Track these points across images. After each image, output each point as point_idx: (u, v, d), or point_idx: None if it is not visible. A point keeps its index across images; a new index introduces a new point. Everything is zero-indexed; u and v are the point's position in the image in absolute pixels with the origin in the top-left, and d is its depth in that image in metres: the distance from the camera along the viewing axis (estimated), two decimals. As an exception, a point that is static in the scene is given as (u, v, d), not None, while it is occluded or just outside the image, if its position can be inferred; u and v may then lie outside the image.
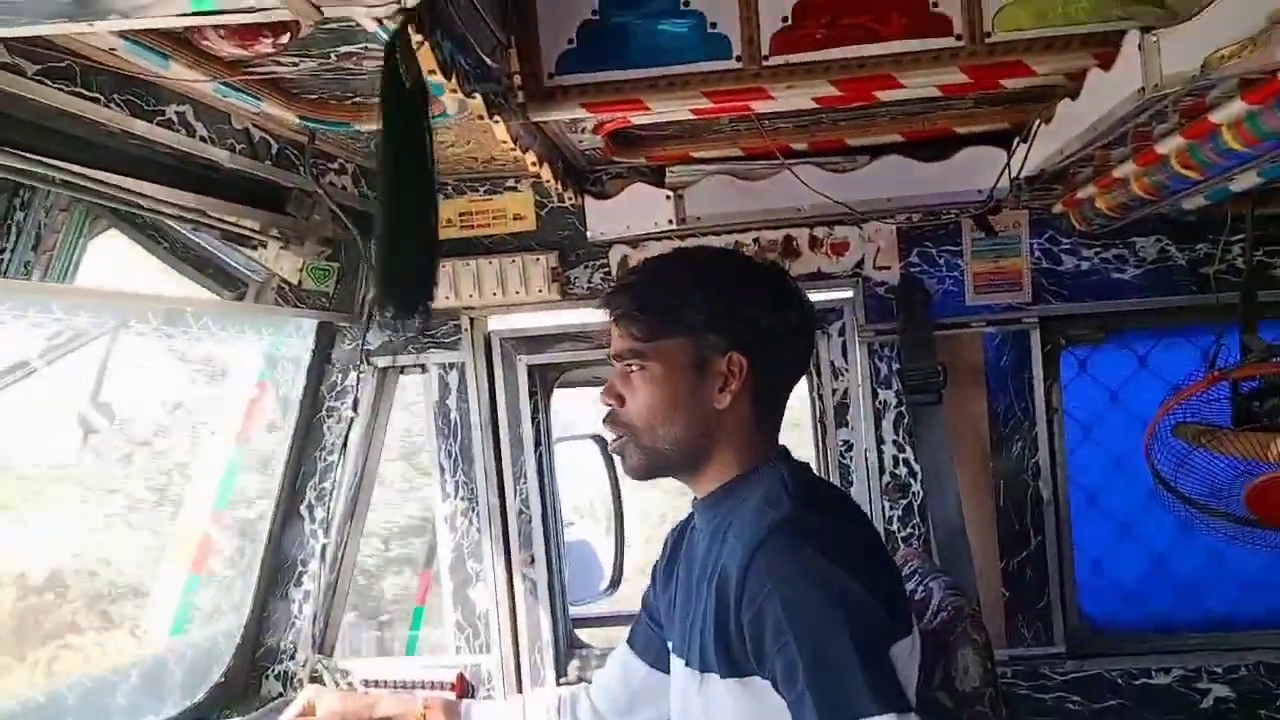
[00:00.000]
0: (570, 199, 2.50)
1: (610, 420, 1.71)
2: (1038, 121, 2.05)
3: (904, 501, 2.57)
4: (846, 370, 2.59)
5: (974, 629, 1.69)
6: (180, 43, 1.50)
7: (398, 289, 1.42)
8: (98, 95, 1.56)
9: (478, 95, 1.61)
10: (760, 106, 1.95)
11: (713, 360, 1.64)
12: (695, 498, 1.75)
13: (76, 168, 1.67)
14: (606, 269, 2.61)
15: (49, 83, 1.47)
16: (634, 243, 2.59)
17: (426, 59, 1.43)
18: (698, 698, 1.63)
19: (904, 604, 1.61)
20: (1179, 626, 2.63)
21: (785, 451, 1.73)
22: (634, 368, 1.67)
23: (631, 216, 2.55)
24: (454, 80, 1.51)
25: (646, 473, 1.71)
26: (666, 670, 1.83)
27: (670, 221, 2.50)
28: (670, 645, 1.80)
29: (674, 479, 1.74)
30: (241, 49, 1.48)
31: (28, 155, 1.57)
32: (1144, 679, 2.54)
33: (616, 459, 1.75)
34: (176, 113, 1.75)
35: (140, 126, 1.68)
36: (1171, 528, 2.51)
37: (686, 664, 1.67)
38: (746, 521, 1.58)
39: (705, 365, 1.64)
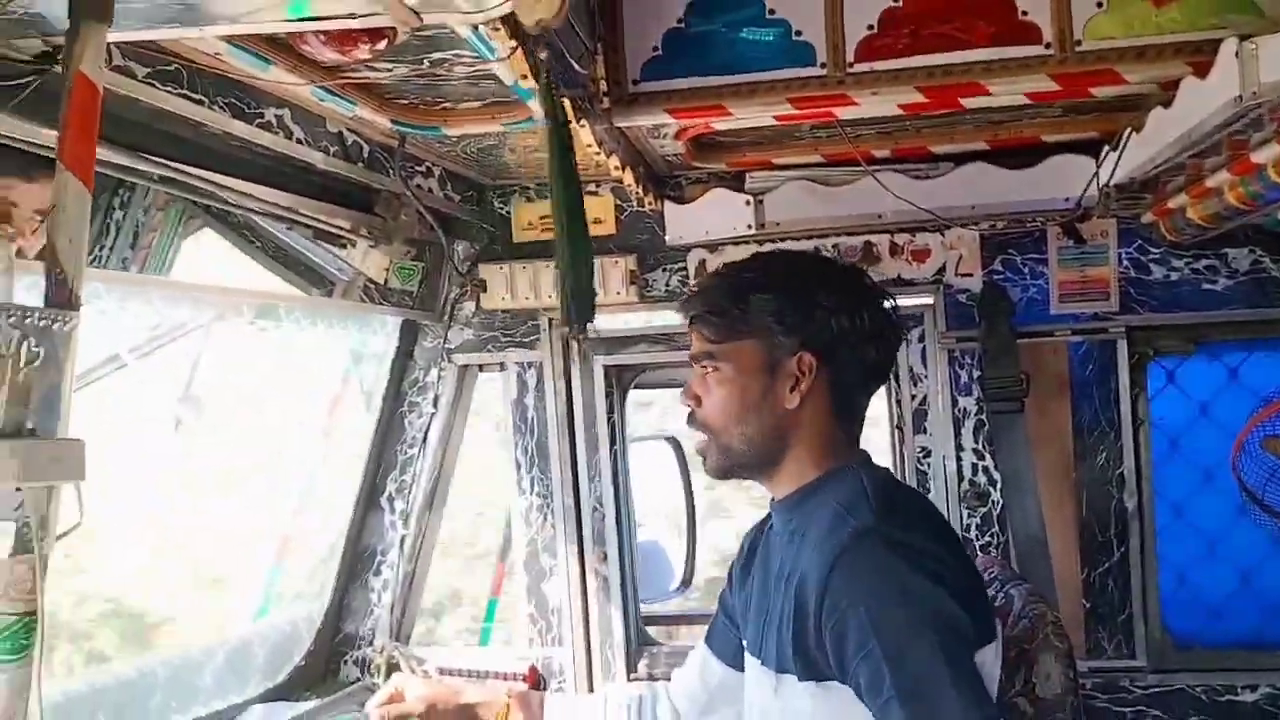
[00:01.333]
0: (650, 203, 2.52)
1: (691, 421, 1.75)
2: (1129, 130, 2.02)
3: (982, 510, 2.55)
4: (925, 377, 2.57)
5: (1056, 636, 1.68)
6: (281, 48, 1.55)
7: (585, 303, 1.57)
8: (202, 97, 1.63)
9: (565, 100, 1.64)
10: (844, 113, 1.95)
11: (783, 361, 1.66)
12: (773, 499, 1.76)
13: (179, 165, 1.73)
14: (684, 273, 2.63)
15: (158, 85, 1.54)
16: (712, 247, 2.60)
17: (519, 65, 1.47)
18: (774, 698, 1.64)
19: (987, 610, 1.61)
20: (1267, 644, 2.56)
21: (865, 456, 1.73)
22: (708, 369, 1.70)
23: (710, 221, 2.56)
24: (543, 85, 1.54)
25: (725, 473, 1.74)
26: (743, 669, 1.84)
27: (749, 227, 2.51)
28: (745, 643, 1.81)
29: (752, 480, 1.76)
30: (340, 54, 1.53)
31: (138, 154, 1.63)
32: (1229, 695, 2.48)
33: (700, 459, 1.77)
34: (275, 115, 1.82)
35: (241, 128, 1.74)
36: (1261, 544, 2.45)
37: (762, 663, 1.68)
38: (825, 527, 1.59)
39: (776, 366, 1.66)
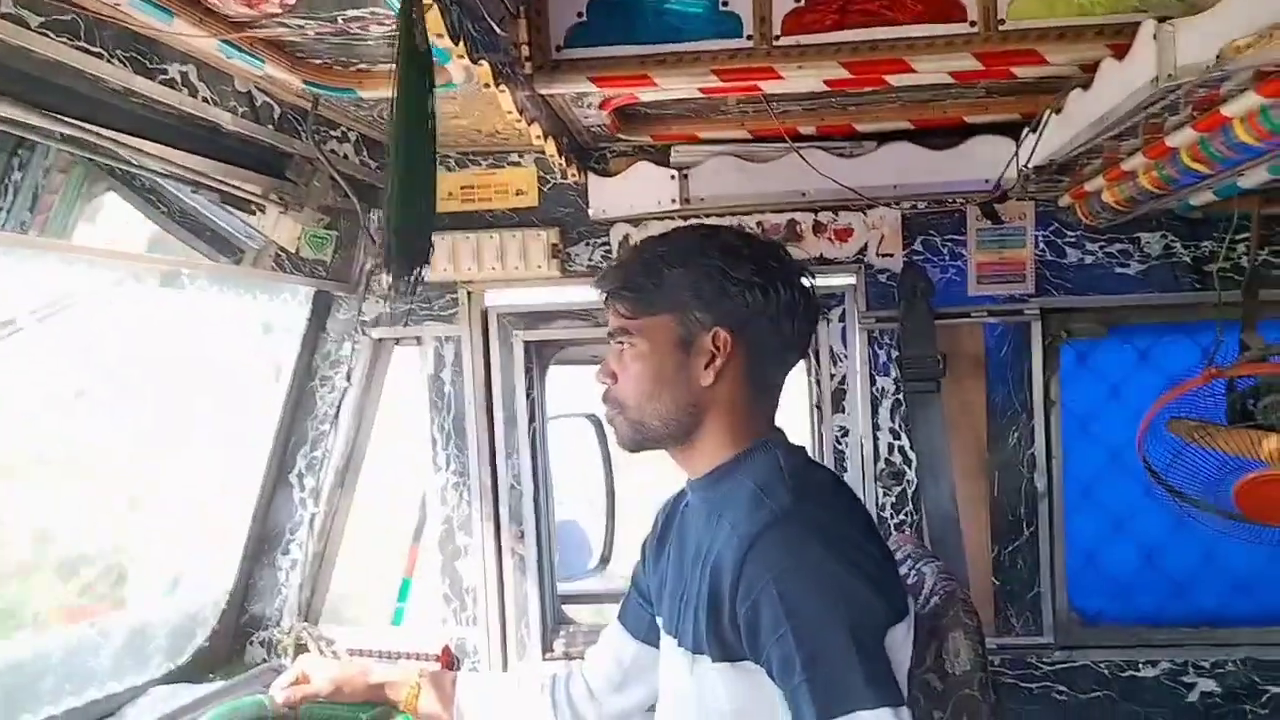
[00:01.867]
0: (574, 175, 2.48)
1: (605, 397, 1.73)
2: (1048, 111, 2.04)
3: (898, 489, 2.57)
4: (845, 356, 2.59)
5: (966, 613, 1.69)
6: (185, -1, 1.48)
7: (402, 255, 1.46)
8: (101, 50, 1.54)
9: (484, 62, 1.60)
10: (769, 87, 1.94)
11: (698, 337, 1.64)
12: (689, 477, 1.75)
13: (79, 123, 1.65)
14: (607, 247, 2.59)
15: (52, 36, 1.45)
16: (636, 221, 2.57)
17: (435, 23, 1.42)
18: (689, 678, 1.63)
19: (900, 588, 1.62)
20: (1168, 621, 2.64)
21: (781, 434, 1.72)
22: (624, 345, 1.68)
23: (635, 195, 2.53)
24: (461, 46, 1.50)
25: (635, 446, 1.72)
26: (657, 646, 1.83)
27: (674, 201, 2.49)
28: (660, 622, 1.79)
29: (665, 452, 1.74)
30: (247, 6, 1.47)
31: (32, 107, 1.54)
32: (1131, 671, 2.56)
33: (608, 430, 1.77)
34: (180, 72, 1.73)
35: (142, 84, 1.65)
36: (1165, 523, 2.51)
37: (678, 643, 1.67)
38: (742, 509, 1.58)
39: (691, 342, 1.64)
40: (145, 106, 1.77)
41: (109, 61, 1.57)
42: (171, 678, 2.48)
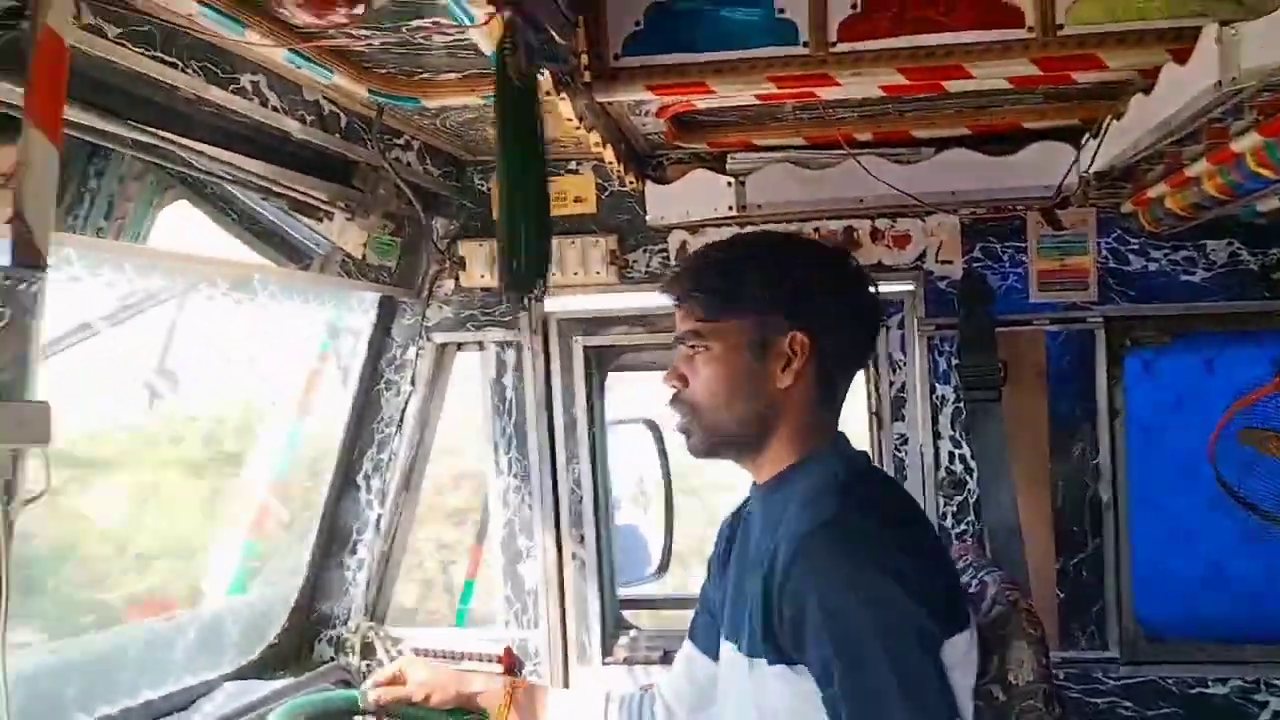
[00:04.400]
0: (631, 183, 2.51)
1: (674, 401, 1.71)
2: (1109, 117, 2.02)
3: (958, 498, 2.55)
4: (905, 364, 2.57)
5: (1029, 623, 1.67)
6: (257, 10, 1.53)
7: (519, 270, 1.54)
8: (176, 60, 1.60)
9: (546, 71, 1.63)
10: (826, 93, 1.94)
11: (775, 340, 1.64)
12: (754, 483, 1.75)
13: (154, 130, 1.71)
14: (665, 253, 2.62)
15: (130, 46, 1.51)
16: (693, 228, 2.59)
17: (496, 31, 1.46)
18: (747, 682, 1.63)
19: (958, 600, 1.61)
20: (1238, 637, 2.57)
21: (843, 440, 1.72)
22: (696, 349, 1.67)
23: (692, 202, 2.54)
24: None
25: (708, 452, 1.71)
26: None
27: (730, 208, 2.50)
28: (722, 631, 1.80)
29: (734, 461, 1.74)
30: (315, 18, 1.51)
31: (110, 115, 1.61)
32: (1200, 688, 2.50)
33: (681, 438, 1.74)
34: (251, 81, 1.79)
35: (216, 94, 1.72)
36: (1233, 536, 2.45)
37: (737, 648, 1.67)
38: (794, 515, 1.59)
39: (767, 345, 1.64)
40: (218, 115, 1.84)
41: (184, 71, 1.63)
42: (243, 674, 2.54)
